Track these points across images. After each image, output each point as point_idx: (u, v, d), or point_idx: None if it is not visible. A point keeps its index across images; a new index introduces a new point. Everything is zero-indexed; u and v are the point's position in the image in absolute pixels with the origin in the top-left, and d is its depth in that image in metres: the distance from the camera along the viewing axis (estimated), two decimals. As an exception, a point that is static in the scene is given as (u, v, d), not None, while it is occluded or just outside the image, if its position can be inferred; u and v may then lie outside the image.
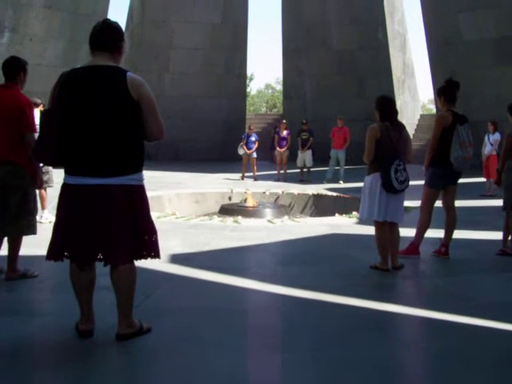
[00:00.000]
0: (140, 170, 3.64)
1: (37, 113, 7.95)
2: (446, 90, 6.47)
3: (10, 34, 18.57)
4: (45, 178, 7.99)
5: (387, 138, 5.72)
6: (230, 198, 13.12)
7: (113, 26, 3.62)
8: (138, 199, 3.61)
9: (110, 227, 3.50)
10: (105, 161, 3.50)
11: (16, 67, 5.15)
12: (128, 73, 3.53)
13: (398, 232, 5.99)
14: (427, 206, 6.50)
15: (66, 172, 3.61)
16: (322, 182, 15.00)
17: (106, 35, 3.58)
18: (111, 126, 3.48)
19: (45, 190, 8.22)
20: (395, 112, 5.94)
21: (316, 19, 22.78)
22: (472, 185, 13.26)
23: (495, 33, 18.58)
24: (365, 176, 5.96)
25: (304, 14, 23.09)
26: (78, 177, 3.52)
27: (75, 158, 3.54)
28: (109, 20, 3.68)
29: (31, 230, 5.10)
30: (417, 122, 25.95)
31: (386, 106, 5.88)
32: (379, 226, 5.85)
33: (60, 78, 3.57)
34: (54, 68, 18.82)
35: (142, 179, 3.66)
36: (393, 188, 5.63)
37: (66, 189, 3.59)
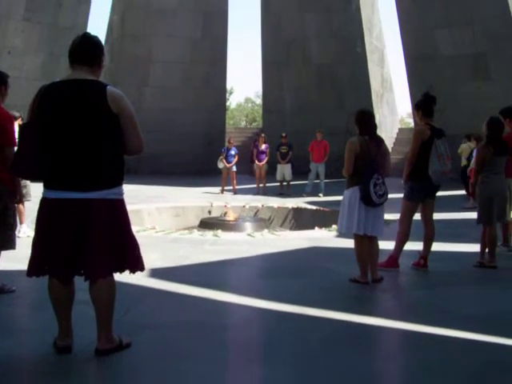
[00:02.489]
0: (120, 184, 3.63)
1: (16, 126, 7.88)
2: (423, 105, 6.55)
3: (-12, 47, 18.45)
4: (22, 191, 7.91)
5: (366, 151, 5.77)
6: (209, 212, 13.11)
7: (93, 40, 3.61)
8: (118, 213, 3.59)
9: (90, 242, 3.47)
10: (84, 175, 3.48)
11: None
12: (108, 86, 3.52)
13: (377, 245, 6.03)
14: (406, 219, 6.56)
15: (44, 186, 3.58)
16: (301, 196, 15.03)
17: (86, 49, 3.57)
18: (91, 139, 3.47)
19: (23, 204, 8.12)
20: (374, 126, 6.00)
21: (295, 33, 22.95)
22: (453, 197, 13.42)
23: (471, 48, 18.90)
24: (344, 189, 5.99)
25: (283, 28, 23.26)
26: (57, 191, 3.49)
27: (54, 172, 3.51)
28: (88, 34, 3.67)
29: (10, 244, 5.04)
30: (395, 136, 26.17)
31: (365, 120, 5.93)
32: (359, 239, 5.88)
33: (39, 91, 3.55)
34: (33, 81, 18.68)
35: (121, 193, 3.64)
36: (372, 201, 5.67)
37: (45, 203, 3.56)
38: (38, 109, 3.51)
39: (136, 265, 3.68)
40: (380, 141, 6.01)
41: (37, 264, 3.56)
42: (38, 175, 3.59)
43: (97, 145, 3.48)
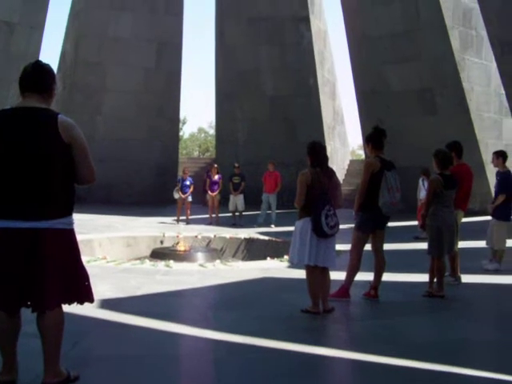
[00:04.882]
0: (70, 214, 3.57)
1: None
2: (373, 138, 6.71)
3: None
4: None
5: (318, 183, 5.85)
6: (161, 242, 13.00)
7: (44, 68, 3.58)
8: (67, 243, 3.53)
9: (38, 272, 3.39)
10: (33, 204, 3.41)
11: None
12: (59, 115, 3.49)
13: (328, 276, 6.08)
14: (357, 250, 6.65)
15: (-7, 215, 3.49)
16: (253, 226, 15.08)
17: (38, 77, 3.53)
18: (41, 168, 3.41)
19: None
20: (325, 158, 6.10)
21: (249, 65, 23.22)
22: (405, 228, 13.69)
23: (418, 84, 19.53)
24: (296, 220, 6.05)
25: (237, 59, 23.50)
26: (5, 220, 3.41)
27: (3, 201, 3.43)
28: (40, 61, 3.63)
29: None
30: (346, 167, 26.66)
31: (317, 152, 6.02)
32: (310, 270, 5.92)
33: (-12, 119, 3.48)
34: (-18, 107, 18.31)
35: (71, 223, 3.59)
36: (323, 232, 5.74)
37: (-6, 233, 3.47)
38: (-13, 137, 3.44)
39: (85, 296, 3.61)
40: (331, 172, 6.10)
41: None
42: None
43: (47, 174, 3.43)
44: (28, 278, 3.40)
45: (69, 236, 3.56)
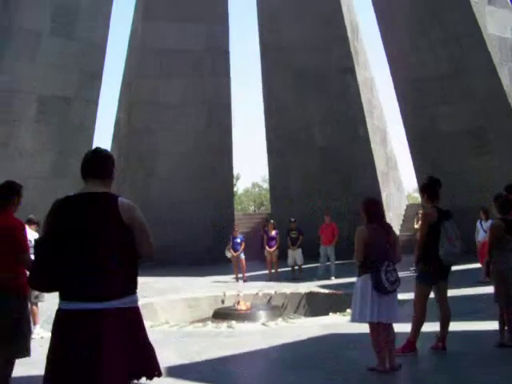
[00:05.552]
0: (134, 292, 3.65)
1: (31, 230, 8.09)
2: (428, 188, 6.68)
3: (1, 149, 18.87)
4: (35, 293, 7.98)
5: (375, 240, 5.83)
6: (222, 301, 13.03)
7: (103, 155, 3.77)
8: (133, 322, 3.59)
9: (106, 352, 3.45)
10: (99, 285, 3.51)
11: (11, 191, 5.29)
12: (119, 198, 3.64)
13: (393, 331, 5.96)
14: (420, 302, 6.53)
15: (60, 297, 3.61)
16: (313, 279, 14.97)
17: (97, 164, 3.71)
18: (104, 251, 3.53)
19: (36, 305, 8.18)
20: (382, 214, 6.09)
21: (298, 118, 23.42)
22: (466, 272, 13.34)
23: (469, 124, 19.28)
24: (356, 271, 6.00)
25: (285, 112, 23.78)
26: (72, 302, 3.51)
27: (69, 284, 3.55)
28: (99, 149, 3.83)
29: (24, 353, 5.02)
30: (403, 213, 26.24)
31: (373, 209, 6.02)
32: (374, 326, 5.84)
33: (54, 205, 3.65)
34: (44, 180, 19.11)
35: (136, 301, 3.66)
36: (384, 289, 5.67)
37: (60, 314, 3.57)
38: (53, 222, 3.60)
39: (153, 371, 3.66)
40: (389, 228, 6.08)
41: (51, 377, 3.53)
42: (53, 288, 3.63)
43: (110, 255, 3.54)
44: (95, 358, 3.47)
45: (132, 314, 3.61)
